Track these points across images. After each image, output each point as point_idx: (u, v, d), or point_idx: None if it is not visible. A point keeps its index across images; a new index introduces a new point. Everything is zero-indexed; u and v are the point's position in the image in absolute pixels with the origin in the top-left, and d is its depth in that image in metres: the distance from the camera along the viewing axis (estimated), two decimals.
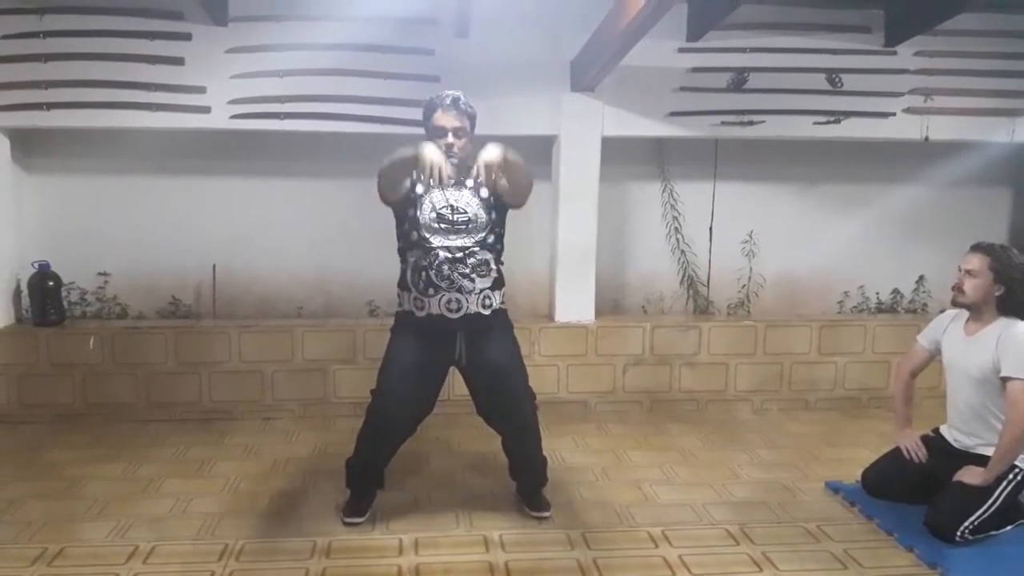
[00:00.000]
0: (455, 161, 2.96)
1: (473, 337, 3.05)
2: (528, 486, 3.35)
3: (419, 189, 3.01)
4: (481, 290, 3.00)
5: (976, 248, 3.20)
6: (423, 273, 2.97)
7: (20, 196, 4.81)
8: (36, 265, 4.65)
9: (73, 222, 4.94)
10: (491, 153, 2.78)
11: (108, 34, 4.42)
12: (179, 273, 5.07)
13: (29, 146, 4.84)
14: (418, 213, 2.98)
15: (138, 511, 3.28)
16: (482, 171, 2.78)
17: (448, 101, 2.98)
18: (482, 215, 3.02)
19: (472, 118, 3.04)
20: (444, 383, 3.21)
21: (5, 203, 4.64)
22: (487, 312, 3.03)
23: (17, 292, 4.77)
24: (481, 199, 3.04)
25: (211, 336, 4.65)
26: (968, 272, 3.16)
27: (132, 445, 4.13)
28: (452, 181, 2.90)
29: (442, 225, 2.96)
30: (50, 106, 4.42)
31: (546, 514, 3.26)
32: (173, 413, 4.59)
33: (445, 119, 2.97)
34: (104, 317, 4.95)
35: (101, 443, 4.17)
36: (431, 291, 2.97)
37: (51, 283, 4.66)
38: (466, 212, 2.99)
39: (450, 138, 2.97)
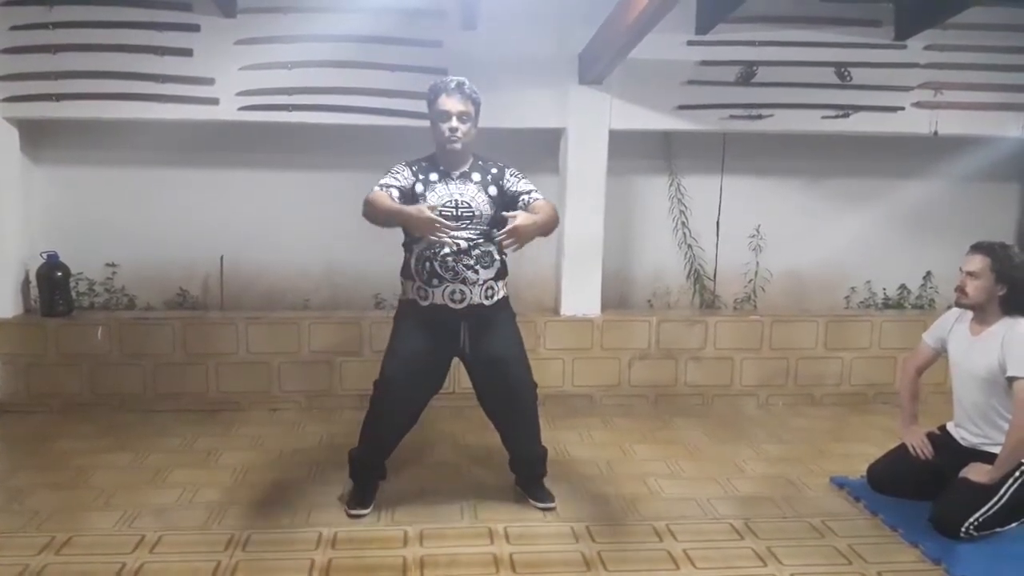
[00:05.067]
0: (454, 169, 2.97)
1: (477, 328, 3.07)
2: (528, 478, 3.36)
3: (419, 188, 3.02)
4: (485, 281, 3.02)
5: (976, 248, 3.17)
6: (427, 264, 2.99)
7: (29, 187, 4.83)
8: (45, 256, 4.67)
9: (82, 213, 4.97)
10: (525, 230, 2.76)
11: (117, 25, 4.43)
12: (187, 264, 5.10)
13: (38, 137, 4.85)
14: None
15: (145, 501, 3.30)
16: (507, 238, 2.76)
17: (453, 85, 2.98)
18: (487, 209, 3.03)
19: (477, 104, 3.04)
20: (448, 372, 3.23)
21: (14, 194, 4.65)
22: (490, 303, 3.05)
23: (26, 283, 4.79)
24: (489, 196, 3.04)
25: (218, 327, 4.67)
26: (969, 273, 3.14)
27: (139, 435, 4.15)
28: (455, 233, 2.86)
29: (447, 218, 2.96)
30: (59, 97, 4.44)
31: (551, 505, 3.26)
32: (180, 404, 4.61)
33: (450, 103, 2.97)
34: (112, 308, 4.98)
35: (109, 433, 4.19)
36: (435, 282, 2.99)
37: (59, 274, 4.67)
38: (470, 206, 3.00)
39: (454, 122, 2.96)
